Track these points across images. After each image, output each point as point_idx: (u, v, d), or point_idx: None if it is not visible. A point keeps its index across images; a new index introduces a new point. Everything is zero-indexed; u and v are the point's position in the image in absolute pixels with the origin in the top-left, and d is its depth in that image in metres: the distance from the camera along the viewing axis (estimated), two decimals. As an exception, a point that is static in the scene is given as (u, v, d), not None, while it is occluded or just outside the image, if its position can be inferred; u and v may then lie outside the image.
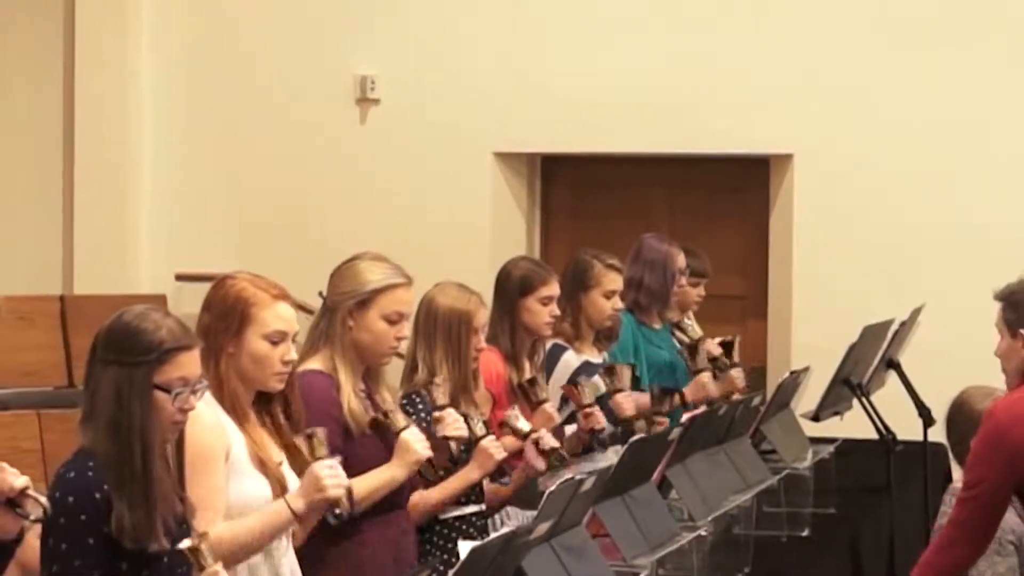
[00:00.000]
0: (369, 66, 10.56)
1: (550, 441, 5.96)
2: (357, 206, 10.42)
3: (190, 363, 4.13)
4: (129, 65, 10.78)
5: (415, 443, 5.13)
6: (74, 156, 10.84)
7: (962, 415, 6.21)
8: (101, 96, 10.77)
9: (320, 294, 5.41)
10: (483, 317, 6.08)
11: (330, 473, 4.56)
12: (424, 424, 5.68)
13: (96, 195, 10.77)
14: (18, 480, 3.64)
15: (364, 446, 5.26)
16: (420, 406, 5.81)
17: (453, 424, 5.56)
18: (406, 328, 5.40)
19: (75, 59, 10.82)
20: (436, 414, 5.56)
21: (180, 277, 10.58)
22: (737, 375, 7.90)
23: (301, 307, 5.03)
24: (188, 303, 10.09)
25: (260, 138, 10.71)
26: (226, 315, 4.66)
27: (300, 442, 4.66)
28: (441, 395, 5.62)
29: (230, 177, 10.76)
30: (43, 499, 3.65)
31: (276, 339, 4.67)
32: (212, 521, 4.43)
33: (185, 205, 10.81)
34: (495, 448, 5.58)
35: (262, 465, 4.65)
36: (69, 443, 4.20)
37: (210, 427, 4.55)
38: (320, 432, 4.66)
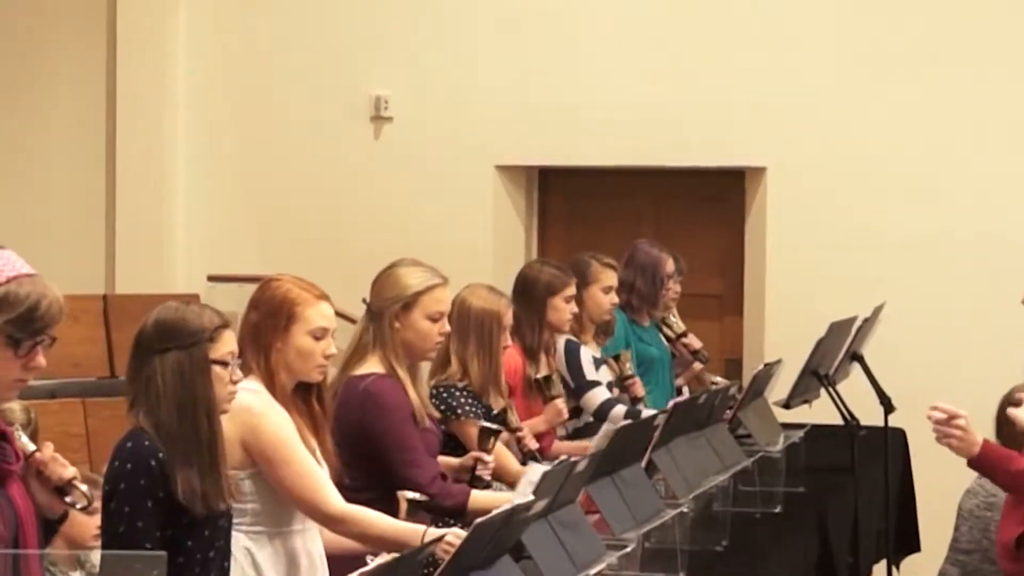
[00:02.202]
0: (383, 87, 10.55)
1: (531, 444, 5.97)
2: (371, 214, 10.41)
3: (232, 340, 4.21)
4: (166, 87, 10.77)
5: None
6: (116, 169, 10.84)
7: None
8: (140, 115, 10.76)
9: (364, 300, 5.40)
10: (510, 317, 6.11)
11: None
12: (451, 416, 5.72)
13: (135, 204, 10.77)
14: (67, 471, 3.65)
15: (427, 437, 5.32)
16: (447, 397, 5.82)
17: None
18: (446, 324, 5.41)
19: (116, 81, 10.81)
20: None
21: (211, 278, 10.57)
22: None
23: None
24: (219, 302, 10.05)
25: (284, 152, 10.70)
26: (274, 314, 4.66)
27: None
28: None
29: (257, 187, 10.75)
30: (86, 489, 3.66)
31: (319, 335, 4.68)
32: (328, 495, 4.53)
33: (216, 213, 10.80)
34: None
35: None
36: (111, 428, 4.22)
37: (285, 416, 4.58)
38: None
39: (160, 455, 4.04)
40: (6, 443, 3.50)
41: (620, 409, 7.07)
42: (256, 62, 10.72)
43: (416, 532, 4.55)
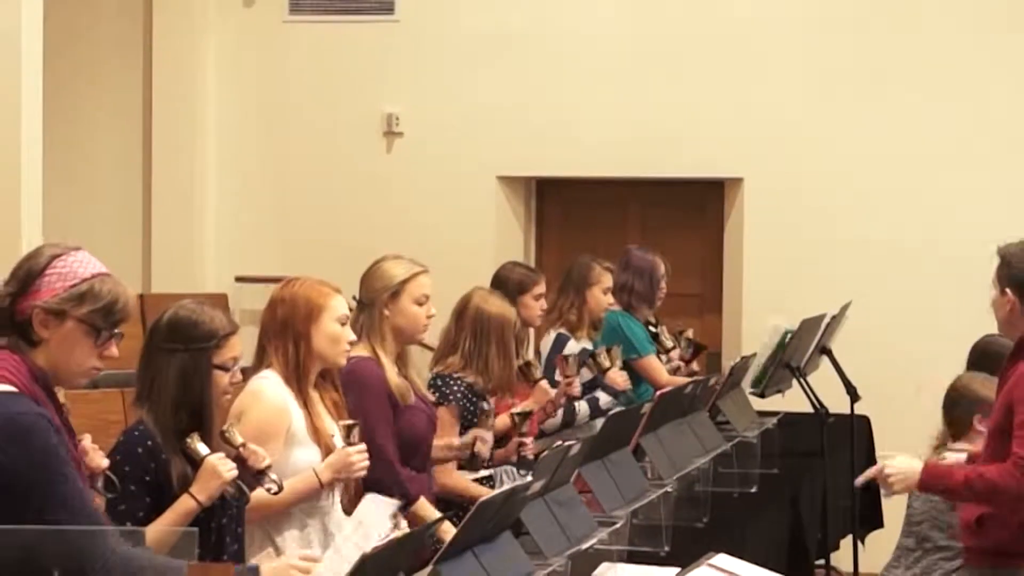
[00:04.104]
0: (394, 105, 10.55)
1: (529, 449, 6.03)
2: (383, 220, 10.40)
3: (238, 345, 4.19)
4: (198, 106, 10.75)
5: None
6: (151, 180, 10.84)
7: (966, 398, 6.13)
8: (175, 132, 10.75)
9: (354, 298, 5.40)
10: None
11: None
12: (462, 404, 5.70)
13: (170, 211, 10.76)
14: (104, 461, 3.67)
15: (410, 414, 5.29)
16: (440, 385, 5.80)
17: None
18: (432, 307, 5.41)
19: (152, 100, 10.81)
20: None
21: (239, 279, 10.56)
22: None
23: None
24: (245, 300, 10.10)
25: (305, 164, 10.70)
26: (304, 305, 4.68)
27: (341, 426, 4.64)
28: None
29: (280, 196, 10.75)
30: (116, 478, 3.67)
31: (343, 321, 4.71)
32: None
33: (243, 219, 10.80)
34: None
35: (316, 435, 4.64)
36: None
37: (274, 408, 4.56)
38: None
39: (149, 442, 4.04)
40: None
41: (584, 408, 7.07)
42: (280, 83, 10.72)
43: (309, 475, 4.55)
